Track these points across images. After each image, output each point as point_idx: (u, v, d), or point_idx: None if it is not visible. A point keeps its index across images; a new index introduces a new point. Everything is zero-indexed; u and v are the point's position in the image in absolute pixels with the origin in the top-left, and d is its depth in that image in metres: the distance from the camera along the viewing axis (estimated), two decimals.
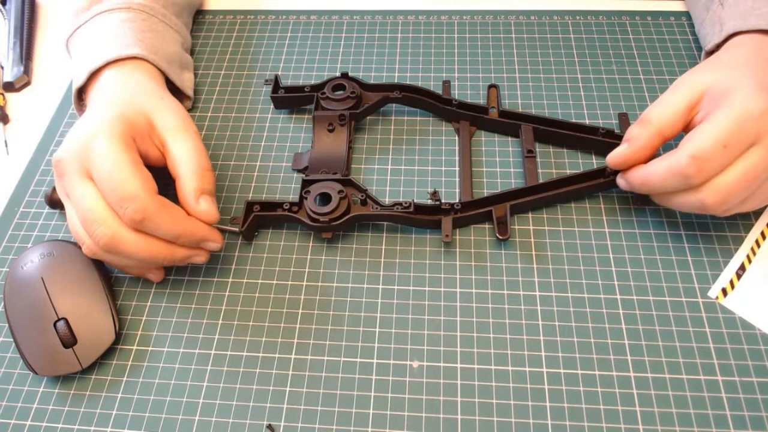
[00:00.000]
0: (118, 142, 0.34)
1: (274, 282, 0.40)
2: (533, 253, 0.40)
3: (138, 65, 0.42)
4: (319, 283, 0.39)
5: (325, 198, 0.40)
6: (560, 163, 0.44)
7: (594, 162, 0.44)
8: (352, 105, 0.45)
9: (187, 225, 0.35)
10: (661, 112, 0.36)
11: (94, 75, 0.41)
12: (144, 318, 0.39)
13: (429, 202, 0.42)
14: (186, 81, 0.48)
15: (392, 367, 0.36)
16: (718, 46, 0.42)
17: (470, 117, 0.46)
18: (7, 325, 0.38)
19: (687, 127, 0.36)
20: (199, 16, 0.56)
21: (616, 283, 0.38)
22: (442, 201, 0.41)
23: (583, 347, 0.36)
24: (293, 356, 0.37)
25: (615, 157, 0.37)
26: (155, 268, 0.39)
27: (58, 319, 0.36)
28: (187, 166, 0.36)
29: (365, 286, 0.39)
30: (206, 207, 0.36)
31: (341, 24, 0.55)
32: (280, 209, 0.41)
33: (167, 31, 0.47)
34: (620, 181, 0.38)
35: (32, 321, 0.36)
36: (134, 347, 0.37)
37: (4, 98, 0.52)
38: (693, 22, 0.51)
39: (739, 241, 0.39)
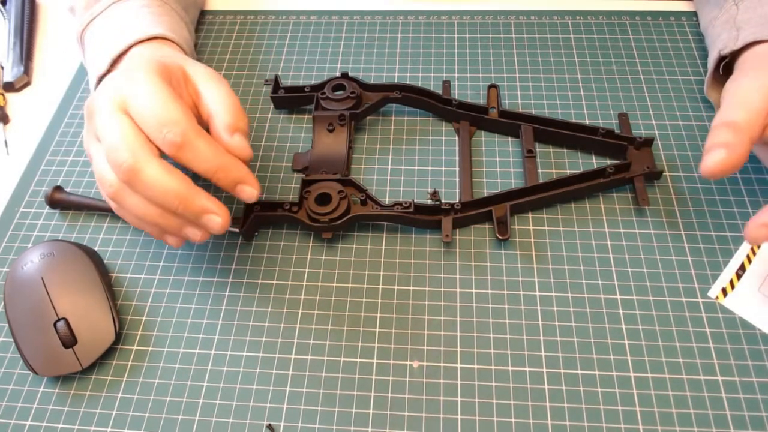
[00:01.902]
0: (157, 76, 0.33)
1: (274, 282, 0.40)
2: (533, 253, 0.40)
3: (162, 43, 0.42)
4: (319, 283, 0.39)
5: (325, 198, 0.40)
6: (560, 163, 0.44)
7: (594, 162, 0.44)
8: (352, 105, 0.45)
9: (225, 158, 0.33)
10: (747, 116, 0.34)
11: (116, 61, 0.41)
12: (144, 318, 0.39)
13: (429, 202, 0.42)
14: None
15: (392, 367, 0.36)
16: (734, 52, 0.41)
17: (470, 117, 0.46)
18: (7, 325, 0.38)
19: (764, 133, 0.35)
20: (199, 16, 0.56)
21: (616, 283, 0.38)
22: (442, 201, 0.41)
23: (583, 347, 0.36)
24: (293, 356, 0.37)
25: (712, 166, 0.33)
26: (173, 231, 0.34)
27: (58, 319, 0.36)
28: (221, 105, 0.35)
29: (365, 286, 0.39)
30: (240, 142, 0.34)
31: (341, 24, 0.55)
32: (280, 209, 0.41)
33: (179, 20, 0.48)
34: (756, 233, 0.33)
35: (32, 321, 0.36)
36: (134, 347, 0.37)
37: (4, 98, 0.52)
38: (699, 19, 0.50)
39: (739, 241, 0.39)
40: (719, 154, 0.33)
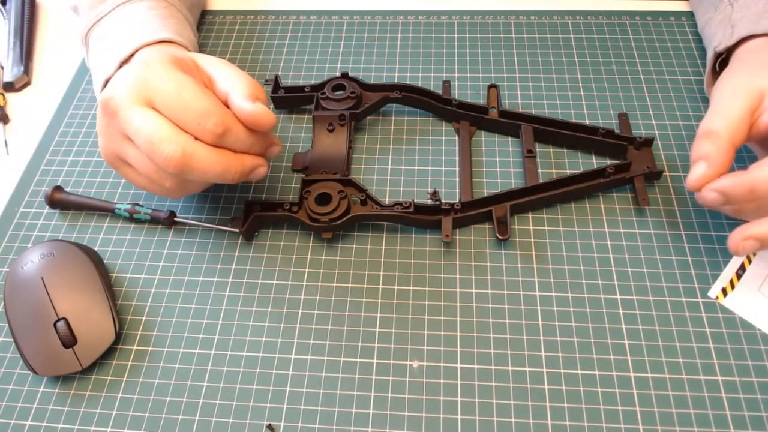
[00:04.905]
0: (175, 67, 0.34)
1: (274, 282, 0.40)
2: (533, 253, 0.40)
3: (169, 46, 0.42)
4: (319, 283, 0.39)
5: (325, 198, 0.40)
6: (560, 163, 0.44)
7: (594, 162, 0.44)
8: (352, 105, 0.45)
9: (256, 134, 0.35)
10: (728, 123, 0.34)
11: (123, 63, 0.41)
12: (144, 318, 0.39)
13: (429, 202, 0.42)
14: None
15: (392, 367, 0.36)
16: (728, 49, 0.42)
17: (470, 117, 0.46)
18: (7, 325, 0.38)
19: (750, 131, 0.35)
20: (200, 15, 0.56)
21: (616, 283, 0.38)
22: (442, 201, 0.41)
23: (583, 347, 0.36)
24: (293, 356, 0.37)
25: (696, 180, 0.34)
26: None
27: (58, 319, 0.36)
28: (237, 80, 0.35)
29: (365, 286, 0.39)
30: (263, 108, 0.34)
31: (341, 24, 0.55)
32: (280, 209, 0.41)
33: (184, 21, 0.48)
34: (707, 195, 0.35)
35: (32, 321, 0.36)
36: (134, 347, 0.37)
37: (4, 98, 0.52)
38: (696, 20, 0.51)
39: None
40: (700, 168, 0.34)
